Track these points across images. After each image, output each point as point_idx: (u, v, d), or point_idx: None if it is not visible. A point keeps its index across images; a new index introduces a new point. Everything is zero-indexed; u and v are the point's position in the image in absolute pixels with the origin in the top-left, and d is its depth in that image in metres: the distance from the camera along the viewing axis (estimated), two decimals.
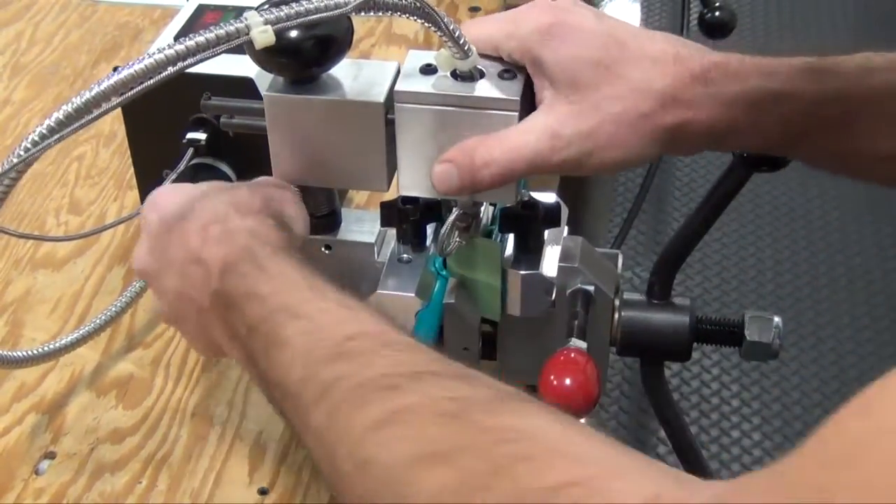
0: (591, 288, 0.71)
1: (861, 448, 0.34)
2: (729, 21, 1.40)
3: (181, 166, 0.87)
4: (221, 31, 0.58)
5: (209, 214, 0.65)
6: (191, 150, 0.87)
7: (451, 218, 0.68)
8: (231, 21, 0.59)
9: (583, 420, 0.62)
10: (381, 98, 0.67)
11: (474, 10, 1.28)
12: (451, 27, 0.62)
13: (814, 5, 2.86)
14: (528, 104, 0.65)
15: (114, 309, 0.84)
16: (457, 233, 0.69)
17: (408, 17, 0.61)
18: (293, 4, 0.59)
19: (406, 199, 0.73)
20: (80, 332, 0.82)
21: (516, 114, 0.63)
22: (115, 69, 0.60)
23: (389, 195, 0.72)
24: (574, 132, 0.63)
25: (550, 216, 0.71)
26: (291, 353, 0.56)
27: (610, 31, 0.65)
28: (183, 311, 0.66)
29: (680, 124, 0.63)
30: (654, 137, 0.63)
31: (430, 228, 0.74)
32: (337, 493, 0.52)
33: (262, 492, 0.77)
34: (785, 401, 1.95)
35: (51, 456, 0.80)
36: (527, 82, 0.65)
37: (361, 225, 0.77)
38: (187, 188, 0.70)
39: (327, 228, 0.76)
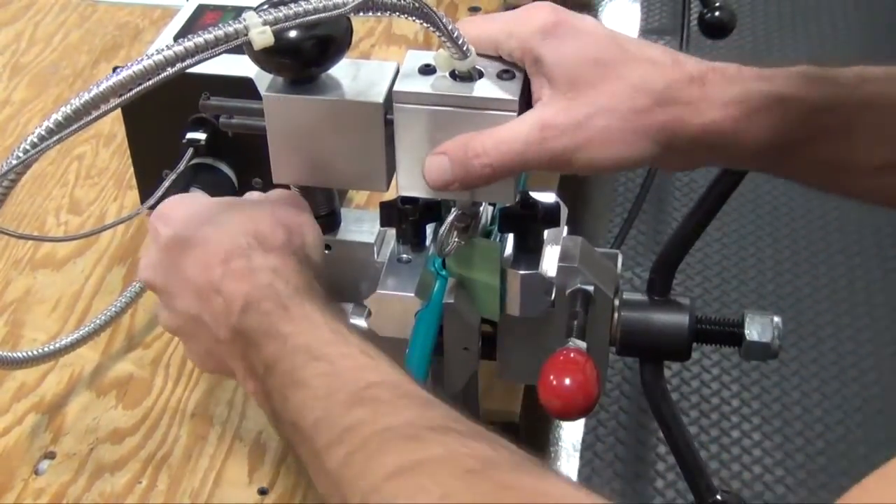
0: (591, 288, 0.71)
1: None
2: (729, 21, 1.40)
3: (181, 166, 0.87)
4: (220, 32, 0.58)
5: (231, 246, 0.65)
6: (190, 150, 0.87)
7: (450, 218, 0.68)
8: (230, 22, 0.59)
9: (583, 420, 0.62)
10: (380, 98, 0.67)
11: (474, 10, 1.28)
12: (449, 28, 0.62)
13: (814, 5, 2.86)
14: (527, 105, 0.65)
15: (114, 309, 0.84)
16: (456, 233, 0.69)
17: (407, 18, 0.61)
18: (292, 5, 0.59)
19: (405, 199, 0.73)
20: (80, 332, 0.82)
21: (515, 114, 0.63)
22: (114, 69, 0.60)
23: (389, 195, 0.72)
24: (566, 122, 0.62)
25: (550, 216, 0.71)
26: (309, 395, 0.56)
27: (611, 35, 0.65)
28: (194, 333, 0.66)
29: (674, 123, 0.62)
30: (647, 135, 0.62)
31: (429, 228, 0.74)
32: None
33: (262, 492, 0.78)
34: (785, 401, 1.95)
35: (51, 456, 0.80)
36: (525, 82, 0.65)
37: (361, 225, 0.77)
38: (200, 203, 0.70)
39: (327, 228, 0.76)
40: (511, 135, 0.63)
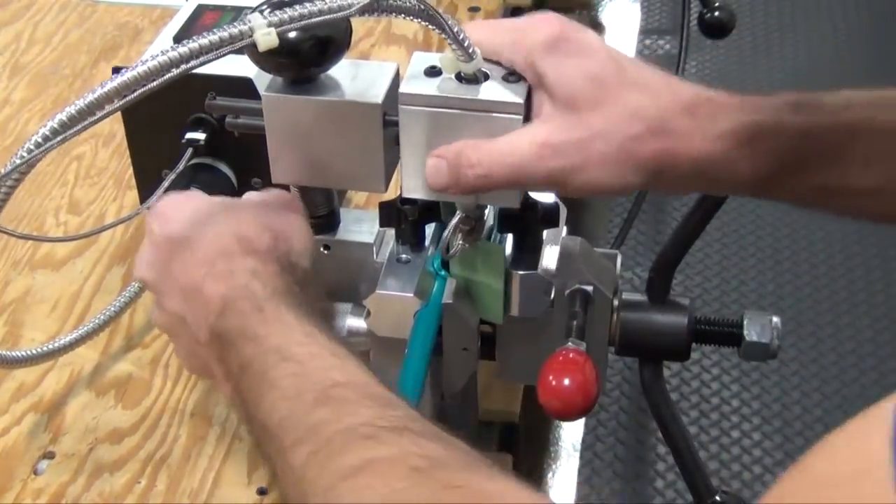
0: (590, 288, 0.71)
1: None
2: (728, 21, 1.39)
3: (180, 166, 0.87)
4: (225, 34, 0.58)
5: (215, 247, 0.66)
6: (190, 150, 0.87)
7: (454, 221, 0.68)
8: (234, 23, 0.59)
9: (583, 420, 0.62)
10: (379, 99, 0.67)
11: (474, 9, 1.28)
12: (455, 30, 0.62)
13: (814, 5, 2.86)
14: (529, 112, 0.65)
15: (113, 308, 0.84)
16: (461, 236, 0.69)
17: (412, 20, 0.61)
18: (296, 6, 0.59)
19: (405, 200, 0.73)
20: (80, 331, 0.82)
21: (520, 117, 0.63)
22: (114, 70, 0.60)
23: (388, 196, 0.72)
24: (564, 142, 0.62)
25: (549, 216, 0.71)
26: (278, 395, 0.57)
27: (611, 54, 0.65)
28: (180, 333, 0.67)
29: (665, 154, 0.62)
30: (639, 164, 0.62)
31: (428, 229, 0.74)
32: None
33: (261, 492, 0.77)
34: (785, 401, 1.95)
35: (50, 456, 0.80)
36: (530, 87, 0.65)
37: (360, 225, 0.77)
38: (196, 202, 0.71)
39: (326, 228, 0.76)
40: (509, 148, 0.63)
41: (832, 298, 2.14)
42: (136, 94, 0.59)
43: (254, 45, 0.59)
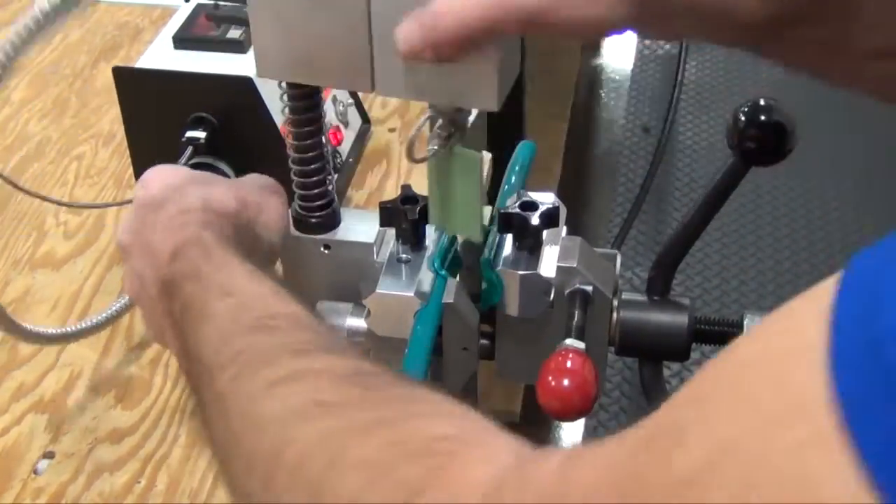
0: (590, 288, 0.71)
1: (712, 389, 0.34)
2: None
3: (180, 165, 0.87)
4: None
5: (178, 206, 0.67)
6: (190, 149, 0.87)
7: (423, 118, 0.66)
8: None
9: (583, 420, 0.62)
10: None
11: None
12: None
13: None
14: None
15: (119, 304, 0.84)
16: (437, 140, 0.67)
17: None
18: None
19: (406, 199, 0.73)
20: (88, 322, 0.82)
21: None
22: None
23: (389, 195, 0.72)
24: None
25: (549, 217, 0.71)
26: (214, 326, 0.57)
27: None
28: (141, 295, 0.67)
29: None
30: None
31: (429, 229, 0.74)
32: (221, 460, 0.52)
33: None
34: None
35: (50, 456, 0.80)
36: None
37: (360, 225, 0.77)
38: (181, 173, 0.71)
39: (326, 228, 0.76)
40: None
41: None
42: None
43: None
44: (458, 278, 0.72)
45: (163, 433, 0.82)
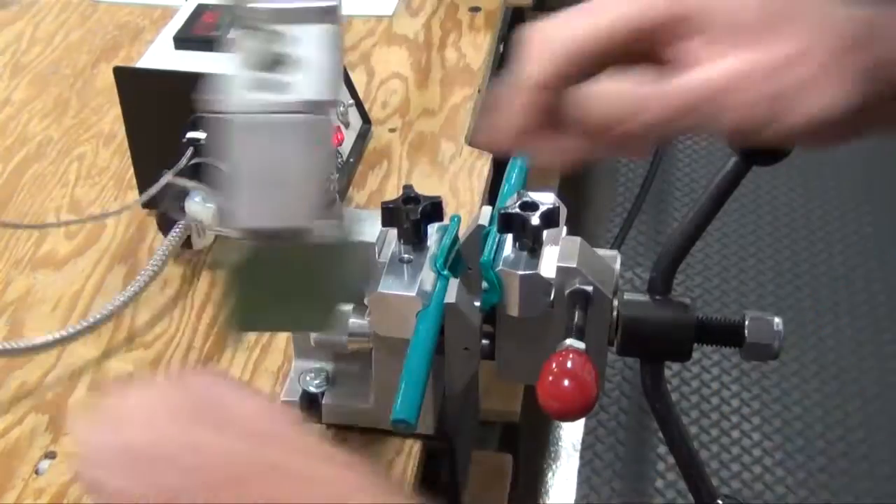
0: (590, 288, 0.71)
1: None
2: None
3: (181, 165, 0.87)
4: None
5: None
6: (191, 150, 0.87)
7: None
8: None
9: (583, 420, 0.61)
10: None
11: (474, 10, 1.28)
12: None
13: None
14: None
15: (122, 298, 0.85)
16: None
17: None
18: None
19: (407, 199, 0.73)
20: (87, 322, 0.82)
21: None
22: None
23: (390, 195, 0.72)
24: (759, 68, 0.52)
25: (549, 217, 0.71)
26: None
27: None
28: None
29: (880, 64, 0.53)
30: (856, 76, 0.52)
31: (430, 228, 0.74)
32: None
33: None
34: (785, 401, 1.95)
35: (51, 455, 0.80)
36: None
37: (362, 225, 0.77)
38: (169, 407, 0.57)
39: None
40: (686, 86, 0.52)
41: (832, 298, 2.14)
42: None
43: None
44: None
45: None
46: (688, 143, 2.48)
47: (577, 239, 0.73)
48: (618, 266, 0.75)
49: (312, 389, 0.81)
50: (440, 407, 0.78)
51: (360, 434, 0.81)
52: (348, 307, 0.76)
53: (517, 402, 1.40)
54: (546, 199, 0.72)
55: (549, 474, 1.86)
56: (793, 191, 2.36)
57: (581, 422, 1.95)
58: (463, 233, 0.74)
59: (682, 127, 0.54)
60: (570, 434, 1.91)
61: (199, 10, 0.98)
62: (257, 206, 0.60)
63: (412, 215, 0.72)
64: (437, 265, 0.72)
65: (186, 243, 0.92)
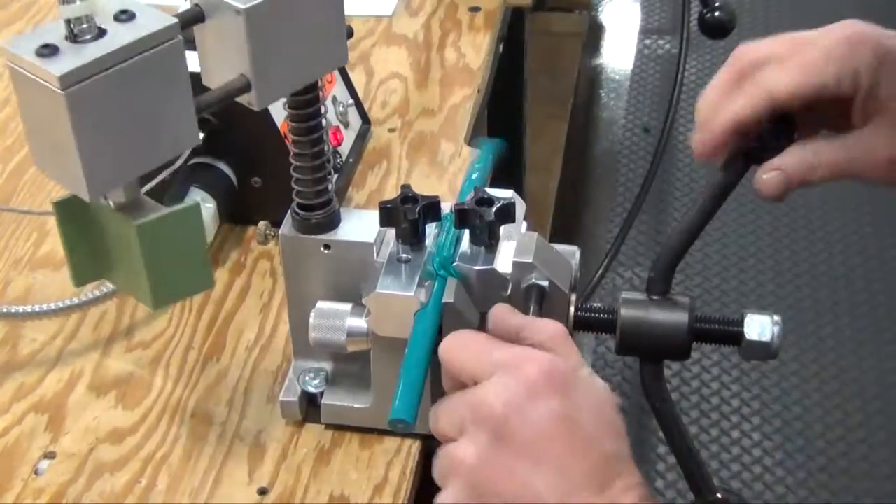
0: (545, 283, 0.71)
1: None
2: (729, 21, 1.40)
3: (178, 164, 0.87)
4: None
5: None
6: (189, 149, 0.87)
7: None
8: None
9: None
10: None
11: (474, 10, 1.28)
12: None
13: (814, 5, 2.86)
14: None
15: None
16: None
17: None
18: None
19: (405, 199, 0.73)
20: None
21: None
22: None
23: (389, 195, 0.72)
24: None
25: (504, 212, 0.71)
26: None
27: None
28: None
29: None
30: None
31: (429, 228, 0.74)
32: None
33: (262, 492, 0.78)
34: (785, 401, 1.95)
35: (50, 456, 0.80)
36: None
37: (360, 224, 0.77)
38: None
39: (327, 228, 0.76)
40: (862, 159, 0.71)
41: (832, 298, 2.14)
42: None
43: None
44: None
45: (163, 433, 0.82)
46: (688, 143, 2.48)
47: (534, 234, 0.73)
48: (576, 261, 0.75)
49: (311, 389, 0.81)
50: None
51: (359, 434, 0.81)
52: (345, 307, 0.76)
53: None
54: (503, 194, 0.72)
55: None
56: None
57: None
58: None
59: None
60: None
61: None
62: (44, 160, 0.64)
63: (410, 215, 0.72)
64: (435, 265, 0.72)
65: None
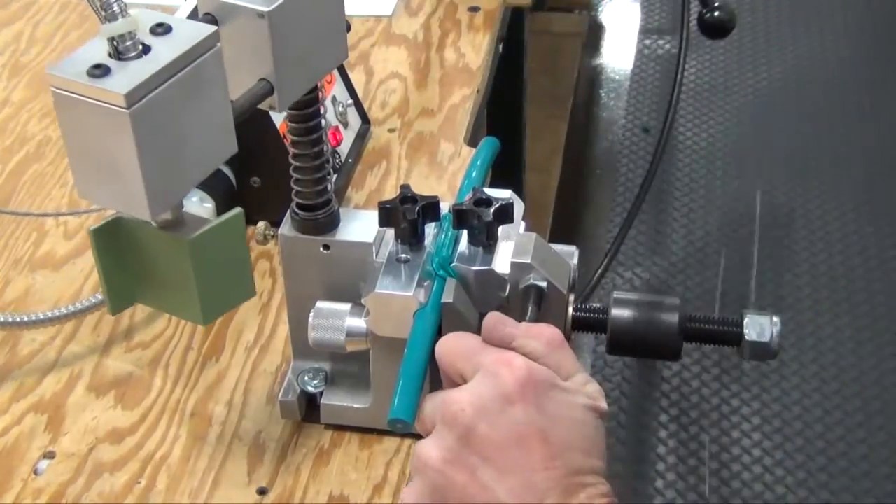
0: (544, 284, 0.71)
1: None
2: (728, 21, 1.40)
3: None
4: None
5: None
6: None
7: None
8: None
9: None
10: None
11: (474, 10, 1.28)
12: None
13: (814, 5, 2.86)
14: None
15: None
16: None
17: None
18: None
19: (405, 199, 0.73)
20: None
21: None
22: None
23: (388, 195, 0.72)
24: None
25: (503, 212, 0.71)
26: None
27: None
28: None
29: None
30: None
31: (428, 228, 0.74)
32: None
33: (261, 492, 0.78)
34: (785, 401, 1.95)
35: (50, 456, 0.80)
36: None
37: (360, 224, 0.77)
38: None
39: (326, 228, 0.76)
40: None
41: (832, 298, 2.14)
42: None
43: None
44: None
45: (163, 433, 0.82)
46: (688, 143, 2.48)
47: (533, 234, 0.73)
48: (574, 262, 0.75)
49: (311, 389, 0.81)
50: None
51: (358, 434, 0.81)
52: (344, 307, 0.76)
53: None
54: (501, 194, 0.72)
55: None
56: (792, 191, 2.36)
57: None
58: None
59: None
60: None
61: (199, 10, 0.98)
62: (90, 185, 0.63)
63: (409, 215, 0.72)
64: (434, 265, 0.72)
65: None
